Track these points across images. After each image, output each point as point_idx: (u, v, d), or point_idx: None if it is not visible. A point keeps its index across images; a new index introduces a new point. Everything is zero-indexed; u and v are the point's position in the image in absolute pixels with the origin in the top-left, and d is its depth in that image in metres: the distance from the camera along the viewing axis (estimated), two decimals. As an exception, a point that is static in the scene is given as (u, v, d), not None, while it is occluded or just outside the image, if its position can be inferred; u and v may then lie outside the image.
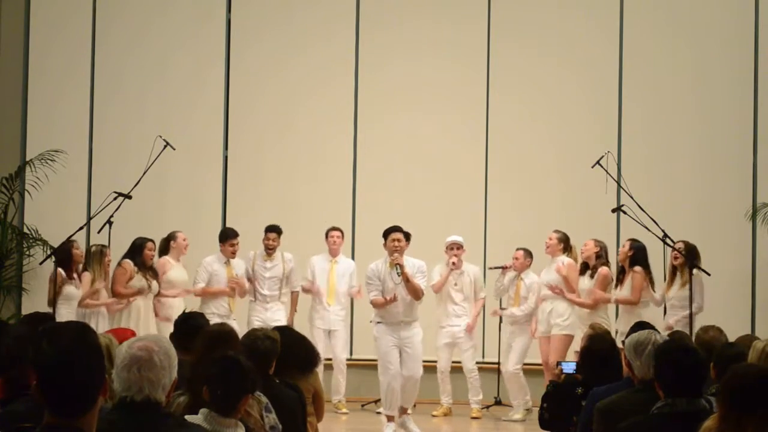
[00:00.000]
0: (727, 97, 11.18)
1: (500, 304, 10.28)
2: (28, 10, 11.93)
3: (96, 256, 9.30)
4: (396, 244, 8.62)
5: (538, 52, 11.41)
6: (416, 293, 8.69)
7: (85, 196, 11.66)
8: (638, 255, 9.12)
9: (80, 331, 2.79)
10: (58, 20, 11.91)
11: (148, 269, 9.44)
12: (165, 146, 9.36)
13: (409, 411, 9.11)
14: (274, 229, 10.14)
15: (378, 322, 8.79)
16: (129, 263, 9.34)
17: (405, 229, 9.65)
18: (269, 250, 10.11)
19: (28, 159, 11.47)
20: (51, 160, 11.28)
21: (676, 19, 11.35)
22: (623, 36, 11.35)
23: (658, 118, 11.26)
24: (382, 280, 8.70)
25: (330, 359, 10.14)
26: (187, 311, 6.25)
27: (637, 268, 9.05)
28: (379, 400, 9.45)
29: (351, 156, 11.59)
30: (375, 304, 8.78)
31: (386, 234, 8.75)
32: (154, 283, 9.42)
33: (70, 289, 9.00)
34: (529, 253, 10.02)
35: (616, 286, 9.26)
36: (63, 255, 8.95)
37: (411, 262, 8.80)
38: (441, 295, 10.09)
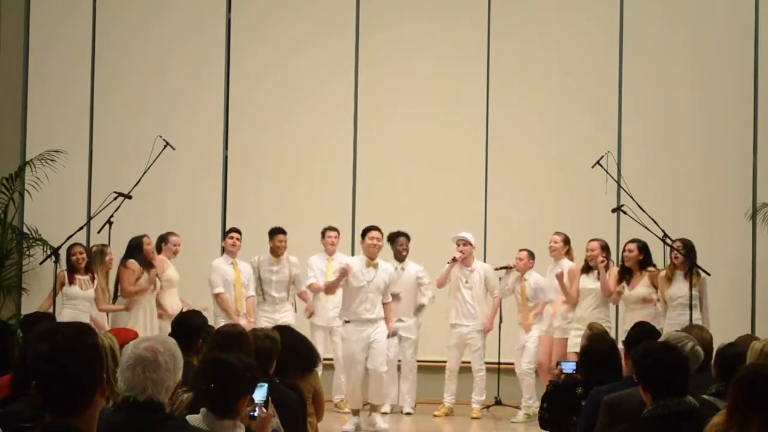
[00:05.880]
0: (727, 97, 11.18)
1: (500, 305, 10.26)
2: (28, 11, 11.92)
3: (97, 256, 9.33)
4: (375, 242, 9.01)
5: (538, 52, 11.40)
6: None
7: (85, 196, 11.65)
8: (648, 255, 9.06)
9: (78, 330, 2.76)
10: (58, 20, 11.91)
11: (151, 266, 9.43)
12: (165, 146, 9.36)
13: (384, 409, 9.32)
14: (282, 231, 10.10)
15: (346, 321, 9.05)
16: (135, 263, 9.31)
17: (405, 229, 9.76)
18: (280, 252, 10.07)
19: (28, 159, 11.46)
20: (51, 160, 11.28)
21: (676, 19, 11.35)
22: (623, 36, 11.34)
23: (658, 118, 11.25)
24: (355, 275, 8.94)
25: (331, 359, 10.14)
26: (184, 310, 6.24)
27: (652, 269, 8.98)
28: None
29: (351, 156, 11.58)
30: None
31: (364, 233, 9.09)
32: (157, 280, 9.42)
33: (72, 290, 9.13)
34: (532, 255, 9.99)
35: (622, 284, 9.18)
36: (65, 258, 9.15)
37: (385, 267, 9.12)
38: (451, 292, 10.08)
